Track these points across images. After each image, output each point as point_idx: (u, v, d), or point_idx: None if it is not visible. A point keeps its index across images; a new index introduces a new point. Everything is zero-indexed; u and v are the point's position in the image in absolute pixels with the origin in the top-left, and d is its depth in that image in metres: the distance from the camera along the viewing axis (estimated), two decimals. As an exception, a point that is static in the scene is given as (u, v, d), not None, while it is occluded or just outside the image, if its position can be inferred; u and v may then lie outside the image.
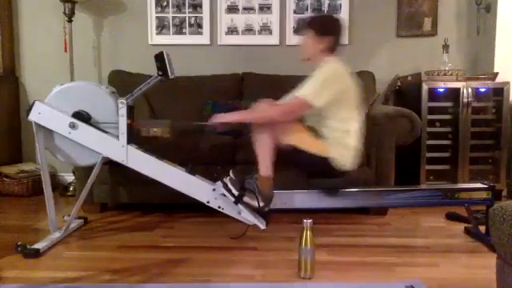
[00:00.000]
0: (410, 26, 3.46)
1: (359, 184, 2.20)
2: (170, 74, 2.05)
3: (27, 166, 3.33)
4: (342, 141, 2.03)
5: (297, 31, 2.20)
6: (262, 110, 2.02)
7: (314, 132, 2.07)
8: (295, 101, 1.98)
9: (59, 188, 3.29)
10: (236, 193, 1.96)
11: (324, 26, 2.08)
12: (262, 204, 1.97)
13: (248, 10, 3.46)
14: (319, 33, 2.06)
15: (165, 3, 3.45)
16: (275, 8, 3.45)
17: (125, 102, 2.08)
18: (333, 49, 2.09)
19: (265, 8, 3.45)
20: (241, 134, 2.88)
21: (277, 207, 2.09)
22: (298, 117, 2.05)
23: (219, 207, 2.06)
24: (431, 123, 3.03)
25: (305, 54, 2.12)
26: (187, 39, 3.48)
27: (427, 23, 3.45)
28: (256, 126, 2.00)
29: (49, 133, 2.12)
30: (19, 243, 1.96)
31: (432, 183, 3.02)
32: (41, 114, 2.08)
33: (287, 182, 2.12)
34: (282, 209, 2.13)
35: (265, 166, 1.99)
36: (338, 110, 2.01)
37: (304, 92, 1.96)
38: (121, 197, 2.65)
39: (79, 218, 2.46)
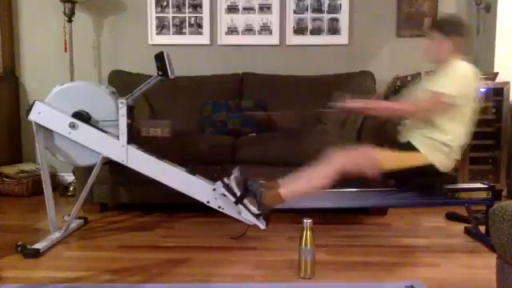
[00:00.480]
0: (410, 26, 3.46)
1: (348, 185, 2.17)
2: (170, 74, 2.05)
3: (27, 166, 3.33)
4: (447, 143, 1.98)
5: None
6: (399, 103, 2.02)
7: (403, 145, 2.03)
8: (435, 98, 1.93)
9: (59, 188, 3.29)
10: (238, 193, 1.92)
11: (450, 27, 2.06)
12: (257, 212, 1.89)
13: (248, 10, 3.46)
14: (447, 34, 2.03)
15: (165, 3, 3.45)
16: (275, 8, 3.45)
17: (125, 102, 2.07)
18: (460, 49, 2.06)
19: (265, 8, 3.45)
20: (240, 134, 2.89)
21: (277, 207, 2.09)
22: (433, 114, 1.98)
23: (219, 207, 2.06)
24: (431, 123, 3.03)
25: (433, 55, 2.10)
26: (187, 39, 3.48)
27: (427, 23, 3.44)
28: (337, 155, 1.88)
29: (49, 133, 2.12)
30: (19, 243, 1.96)
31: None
32: (41, 114, 2.08)
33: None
34: (282, 209, 2.13)
35: (294, 192, 1.87)
36: (456, 112, 1.97)
37: (446, 89, 1.91)
38: (121, 197, 2.65)
39: (79, 218, 2.46)
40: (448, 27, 2.07)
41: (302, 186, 1.88)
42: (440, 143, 1.97)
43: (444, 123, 1.98)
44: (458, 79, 1.96)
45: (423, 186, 2.12)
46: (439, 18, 2.20)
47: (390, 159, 1.95)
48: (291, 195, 1.87)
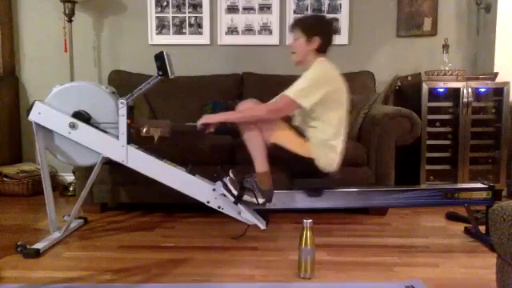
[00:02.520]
0: (409, 26, 3.46)
1: (348, 184, 2.19)
2: (170, 73, 2.05)
3: (27, 166, 3.33)
4: (327, 143, 2.04)
5: (290, 32, 2.21)
6: (248, 108, 2.04)
7: (300, 132, 2.08)
8: (283, 100, 2.00)
9: (59, 188, 3.29)
10: (235, 193, 1.96)
11: (311, 27, 2.08)
12: (261, 200, 1.98)
13: (248, 9, 3.46)
14: (307, 34, 2.06)
15: (165, 3, 3.45)
16: (275, 8, 3.45)
17: (125, 102, 2.08)
18: (323, 49, 2.09)
19: (265, 8, 3.45)
20: (239, 134, 2.88)
21: (277, 207, 2.10)
22: (282, 116, 2.06)
23: (219, 207, 2.06)
24: (431, 123, 3.03)
25: (296, 56, 2.13)
26: (187, 39, 3.48)
27: (427, 23, 3.44)
28: (243, 125, 2.02)
29: (49, 133, 2.12)
30: (19, 243, 1.96)
31: (432, 183, 3.02)
32: (41, 114, 2.08)
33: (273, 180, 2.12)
34: (282, 209, 2.13)
35: (259, 162, 2.02)
36: (325, 111, 2.02)
37: (292, 91, 1.97)
38: (121, 197, 2.65)
39: (79, 218, 2.46)
40: (307, 27, 2.08)
41: (255, 152, 2.04)
42: (319, 140, 2.04)
43: (316, 122, 2.04)
44: (311, 80, 1.97)
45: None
46: (300, 17, 2.21)
47: (282, 134, 2.03)
48: (262, 163, 2.03)
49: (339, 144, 2.08)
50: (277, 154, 2.04)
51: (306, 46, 2.08)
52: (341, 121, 2.07)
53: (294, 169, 2.14)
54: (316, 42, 2.06)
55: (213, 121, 2.07)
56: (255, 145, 2.02)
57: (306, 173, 2.10)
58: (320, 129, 2.05)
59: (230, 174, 2.02)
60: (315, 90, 1.96)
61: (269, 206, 2.05)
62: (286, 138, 2.03)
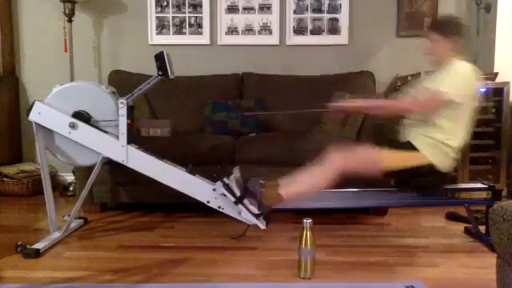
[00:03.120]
0: (410, 26, 3.46)
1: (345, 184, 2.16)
2: (170, 74, 2.05)
3: (27, 166, 3.33)
4: (446, 143, 1.98)
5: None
6: (396, 100, 2.02)
7: (403, 144, 2.04)
8: (435, 95, 1.93)
9: (59, 188, 3.29)
10: (238, 193, 1.92)
11: (449, 28, 2.07)
12: (256, 212, 1.91)
13: (248, 9, 3.46)
14: (446, 34, 2.05)
15: (165, 3, 3.45)
16: (275, 8, 3.45)
17: (125, 102, 2.07)
18: (459, 49, 2.07)
19: (265, 8, 3.45)
20: (240, 134, 2.89)
21: (277, 207, 2.09)
22: (431, 112, 1.99)
23: (219, 207, 2.06)
24: (431, 123, 3.03)
25: (434, 57, 2.11)
26: (187, 39, 3.47)
27: (427, 23, 3.44)
28: (337, 165, 1.88)
29: (49, 133, 2.12)
30: (19, 243, 1.96)
31: (432, 183, 3.02)
32: (41, 114, 2.08)
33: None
34: (282, 209, 2.13)
35: (293, 193, 1.88)
36: (457, 112, 1.97)
37: (445, 88, 1.91)
38: (121, 197, 2.65)
39: (79, 218, 2.46)
40: (447, 28, 2.07)
41: (302, 186, 1.90)
42: (440, 143, 1.98)
43: (444, 123, 1.98)
44: (457, 78, 1.96)
45: (424, 186, 2.12)
46: (438, 18, 2.21)
47: (390, 159, 1.95)
48: (291, 195, 1.88)
49: (459, 146, 2.02)
50: (398, 177, 2.02)
51: (444, 46, 2.06)
52: (468, 122, 2.03)
53: (420, 179, 2.10)
54: (454, 41, 2.05)
55: (356, 105, 2.01)
56: (312, 185, 1.89)
57: (429, 177, 2.06)
58: (445, 128, 1.98)
59: (236, 172, 1.97)
60: (466, 87, 1.96)
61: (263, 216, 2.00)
62: (395, 160, 1.96)
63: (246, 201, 1.92)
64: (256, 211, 1.90)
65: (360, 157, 1.93)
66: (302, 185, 1.90)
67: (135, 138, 2.17)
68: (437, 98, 1.94)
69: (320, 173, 1.89)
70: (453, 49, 2.07)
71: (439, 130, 1.98)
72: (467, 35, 2.15)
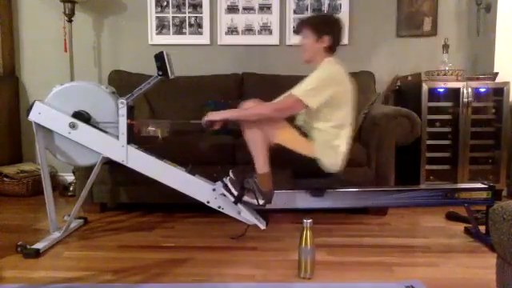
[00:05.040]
0: (409, 26, 3.46)
1: (349, 184, 2.18)
2: (170, 73, 2.05)
3: (27, 166, 3.33)
4: (331, 143, 2.03)
5: (296, 32, 2.20)
6: (253, 107, 2.03)
7: (303, 132, 2.07)
8: (289, 99, 1.98)
9: (59, 188, 3.29)
10: (235, 193, 1.96)
11: (321, 26, 2.07)
12: (262, 202, 1.97)
13: (248, 9, 3.46)
14: (317, 33, 2.05)
15: (165, 3, 3.45)
16: (275, 8, 3.45)
17: (125, 102, 2.08)
18: (332, 48, 2.08)
19: (265, 8, 3.45)
20: (240, 134, 2.88)
21: (277, 207, 2.09)
22: (290, 115, 2.06)
23: (219, 207, 2.06)
24: (431, 123, 3.03)
25: (305, 55, 2.11)
26: (187, 39, 3.48)
27: (427, 23, 3.44)
28: (246, 125, 2.00)
29: (49, 133, 2.12)
30: (19, 243, 1.96)
31: (432, 183, 3.02)
32: (41, 114, 2.08)
33: (273, 181, 2.11)
34: (282, 209, 2.13)
35: (261, 163, 1.99)
36: (331, 112, 2.01)
37: (299, 91, 1.95)
38: (121, 197, 2.65)
39: (79, 218, 2.46)
40: (318, 26, 2.06)
41: (257, 152, 2.00)
42: (327, 145, 2.02)
43: (324, 125, 2.03)
44: (318, 80, 1.96)
45: (314, 187, 2.13)
46: (311, 16, 2.19)
47: (287, 134, 2.01)
48: (264, 163, 1.99)
49: (344, 144, 2.07)
50: (280, 154, 2.03)
51: (315, 45, 2.06)
52: (346, 121, 2.07)
53: (297, 169, 2.13)
54: (325, 41, 2.05)
55: (218, 118, 2.05)
56: (257, 145, 2.00)
57: (310, 173, 2.09)
58: (325, 129, 2.03)
59: (230, 174, 2.02)
60: (322, 90, 1.95)
61: (269, 205, 2.05)
62: (289, 138, 2.01)
63: (246, 198, 1.95)
64: (261, 201, 1.97)
65: (269, 123, 1.98)
66: (258, 152, 2.00)
67: (135, 137, 2.17)
68: (290, 102, 1.97)
69: (252, 136, 1.99)
70: (326, 49, 2.06)
71: (323, 132, 2.03)
72: (342, 37, 2.13)
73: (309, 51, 2.09)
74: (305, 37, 2.09)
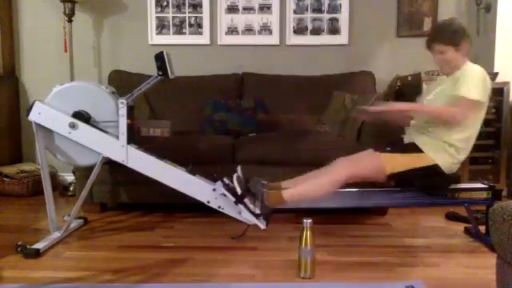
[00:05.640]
0: (410, 26, 3.46)
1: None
2: (170, 74, 2.05)
3: (27, 166, 3.33)
4: (455, 144, 1.97)
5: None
6: (439, 107, 1.99)
7: (406, 146, 2.04)
8: (467, 103, 1.92)
9: (59, 188, 3.29)
10: (240, 192, 1.92)
11: (454, 35, 2.04)
12: (257, 212, 1.92)
13: (248, 10, 3.46)
14: (454, 43, 2.03)
15: (165, 3, 3.45)
16: (275, 8, 3.45)
17: (125, 102, 2.07)
18: (468, 52, 2.07)
19: (265, 8, 3.45)
20: (240, 134, 2.89)
21: (277, 208, 2.09)
22: (467, 120, 1.98)
23: (219, 207, 2.06)
24: (431, 123, 3.03)
25: (447, 69, 2.08)
26: (187, 39, 3.47)
27: (427, 23, 3.44)
28: (344, 173, 1.91)
29: (49, 133, 2.12)
30: (19, 243, 1.96)
31: (432, 183, 3.02)
32: (41, 114, 2.08)
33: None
34: (282, 209, 2.13)
35: (296, 196, 1.91)
36: (475, 113, 1.97)
37: (472, 94, 1.91)
38: (121, 197, 2.65)
39: (79, 218, 2.46)
40: (456, 36, 2.04)
41: (306, 190, 1.92)
42: (446, 144, 1.97)
43: (460, 124, 1.97)
44: (480, 83, 1.95)
45: (429, 187, 2.11)
46: (441, 27, 2.17)
47: (394, 163, 1.96)
48: (293, 198, 1.91)
49: (469, 148, 2.03)
50: (403, 180, 2.02)
51: (456, 55, 2.04)
52: (479, 124, 2.03)
53: (424, 181, 2.07)
54: (464, 47, 2.04)
55: (402, 108, 2.02)
56: (317, 191, 1.91)
57: (434, 178, 2.04)
58: (457, 130, 1.97)
59: (239, 172, 1.98)
60: (485, 88, 1.95)
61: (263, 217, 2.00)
62: (397, 162, 1.95)
63: (246, 200, 1.92)
64: (257, 211, 1.91)
65: (365, 165, 1.95)
66: (306, 190, 1.92)
67: (135, 138, 2.16)
68: (471, 106, 1.93)
69: (325, 180, 1.91)
70: (464, 54, 2.05)
71: (446, 131, 1.97)
72: (470, 33, 2.11)
73: (451, 63, 2.05)
74: (441, 52, 2.05)
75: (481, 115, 2.01)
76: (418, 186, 2.12)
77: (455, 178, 2.10)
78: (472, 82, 1.94)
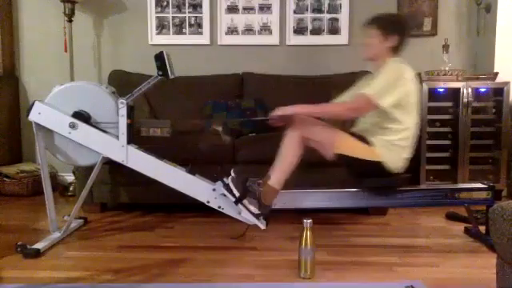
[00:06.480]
0: (409, 26, 3.45)
1: (347, 184, 2.17)
2: (170, 73, 2.05)
3: (27, 166, 3.33)
4: (397, 144, 1.99)
5: (364, 28, 2.15)
6: (326, 105, 2.01)
7: (360, 137, 2.03)
8: (361, 99, 1.93)
9: (59, 188, 3.29)
10: (237, 193, 1.94)
11: (389, 26, 2.04)
12: (257, 212, 1.93)
13: (248, 9, 3.46)
14: (384, 32, 2.03)
15: (165, 3, 3.45)
16: (275, 8, 3.45)
17: (125, 102, 2.08)
18: (398, 48, 2.06)
19: (265, 8, 3.45)
20: (240, 134, 2.89)
21: (277, 207, 2.09)
22: (360, 115, 2.04)
23: (219, 207, 2.06)
24: (431, 123, 3.04)
25: (369, 53, 2.08)
26: (187, 39, 3.48)
27: (427, 23, 3.44)
28: (293, 134, 1.95)
29: (49, 133, 2.12)
30: (19, 243, 1.96)
31: (432, 183, 3.02)
32: (41, 114, 2.08)
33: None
34: (282, 209, 2.13)
35: (279, 177, 1.95)
36: (401, 113, 1.97)
37: (371, 91, 1.91)
38: (121, 197, 2.65)
39: (79, 218, 2.46)
40: (387, 25, 2.05)
41: (282, 167, 1.96)
42: (391, 144, 1.99)
43: (391, 123, 1.99)
44: (389, 80, 1.93)
45: (377, 186, 2.11)
46: (381, 14, 2.17)
47: (346, 144, 1.98)
48: (280, 181, 1.95)
49: (409, 145, 2.04)
50: (345, 163, 2.01)
51: (381, 44, 2.04)
52: (414, 122, 2.03)
53: (363, 174, 2.07)
54: (392, 40, 2.03)
55: (289, 112, 1.99)
56: (289, 159, 1.94)
57: (376, 175, 2.05)
58: (393, 130, 1.99)
59: (232, 173, 2.00)
60: (394, 89, 1.92)
61: (264, 216, 2.01)
62: (349, 147, 1.97)
63: (245, 201, 1.93)
64: (256, 211, 1.92)
65: (319, 132, 1.97)
66: (281, 166, 1.96)
67: (135, 138, 2.16)
68: (364, 102, 1.93)
69: (288, 149, 1.96)
70: (392, 49, 2.04)
71: (388, 129, 2.00)
72: (408, 36, 2.10)
73: (373, 50, 2.06)
74: (371, 35, 2.06)
75: (413, 115, 2.02)
76: (366, 185, 2.12)
77: (404, 179, 2.10)
78: (378, 80, 1.95)
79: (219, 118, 2.18)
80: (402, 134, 2.00)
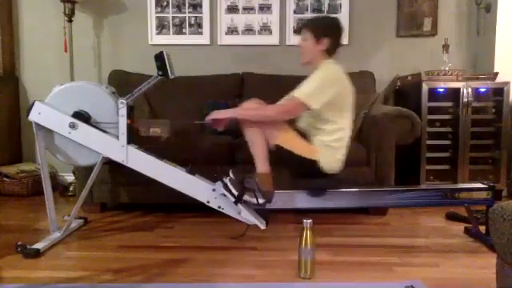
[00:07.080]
0: (410, 26, 3.46)
1: (349, 184, 2.18)
2: (170, 73, 2.05)
3: (27, 166, 3.33)
4: (333, 145, 2.04)
5: (297, 32, 2.21)
6: (257, 108, 2.03)
7: (303, 134, 2.08)
8: (292, 101, 1.99)
9: (59, 188, 3.29)
10: (236, 193, 1.96)
11: (321, 28, 2.07)
12: (262, 201, 1.98)
13: (248, 10, 3.46)
14: (317, 35, 2.05)
15: (165, 3, 3.45)
16: (275, 8, 3.45)
17: (125, 102, 2.08)
18: (331, 51, 2.08)
19: (265, 8, 3.46)
20: (240, 134, 2.88)
21: (277, 207, 2.09)
22: (292, 117, 2.07)
23: (219, 207, 2.06)
24: (431, 123, 3.03)
25: (305, 58, 2.11)
26: (187, 39, 3.48)
27: (427, 23, 3.45)
28: (246, 125, 2.00)
29: (49, 133, 2.12)
30: (19, 243, 1.96)
31: (432, 183, 3.02)
32: (41, 114, 2.08)
33: (274, 181, 2.11)
34: (282, 209, 2.13)
35: (261, 162, 2.00)
36: (333, 114, 2.01)
37: (301, 93, 1.96)
38: (121, 197, 2.65)
39: (79, 218, 2.46)
40: (317, 28, 2.06)
41: (258, 152, 2.01)
42: (323, 142, 2.03)
43: (324, 124, 2.03)
44: (319, 82, 1.96)
45: (313, 187, 2.13)
46: (311, 18, 2.19)
47: (287, 136, 2.01)
48: (264, 164, 2.01)
49: (344, 146, 2.08)
50: (280, 156, 2.03)
51: (314, 47, 2.06)
52: (348, 123, 2.07)
53: (297, 170, 2.13)
54: (324, 43, 2.05)
55: (222, 116, 2.05)
56: (257, 145, 2.00)
57: (309, 174, 2.09)
58: (327, 131, 2.03)
59: (230, 174, 2.02)
60: (324, 90, 1.95)
61: (269, 205, 2.05)
62: (290, 141, 2.01)
63: (247, 197, 1.95)
64: (262, 200, 1.98)
65: (270, 125, 1.99)
66: (258, 152, 2.00)
67: (135, 138, 2.17)
68: (293, 104, 1.97)
69: (252, 136, 2.00)
70: (325, 52, 2.06)
71: (325, 135, 2.03)
72: (342, 40, 2.12)
73: (307, 53, 2.09)
74: (304, 39, 2.09)
75: (347, 115, 2.06)
76: (291, 172, 2.16)
77: (339, 179, 2.12)
78: (308, 82, 1.98)
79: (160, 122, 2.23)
80: (336, 135, 2.04)
